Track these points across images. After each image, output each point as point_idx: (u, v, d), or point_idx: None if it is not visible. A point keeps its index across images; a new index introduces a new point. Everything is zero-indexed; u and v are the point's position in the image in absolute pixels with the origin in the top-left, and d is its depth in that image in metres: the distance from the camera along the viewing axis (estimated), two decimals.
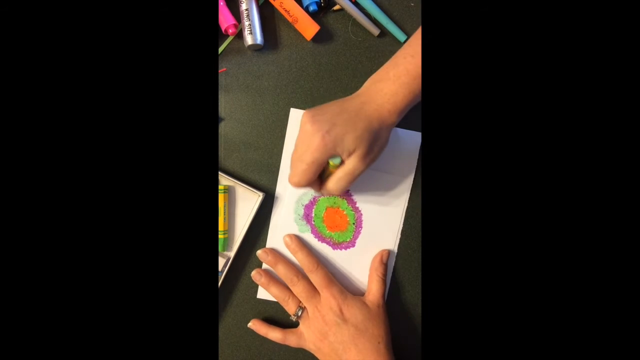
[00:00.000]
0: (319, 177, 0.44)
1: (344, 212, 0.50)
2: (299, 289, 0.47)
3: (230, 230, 0.49)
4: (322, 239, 0.50)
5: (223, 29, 0.49)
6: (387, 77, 0.41)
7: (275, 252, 0.49)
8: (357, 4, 0.50)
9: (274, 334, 0.48)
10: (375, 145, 0.41)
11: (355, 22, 0.50)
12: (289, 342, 0.48)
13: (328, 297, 0.46)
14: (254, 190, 0.48)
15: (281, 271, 0.48)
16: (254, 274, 0.49)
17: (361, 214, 0.50)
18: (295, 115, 0.50)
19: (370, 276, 0.49)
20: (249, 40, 0.48)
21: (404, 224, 0.50)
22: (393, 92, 0.41)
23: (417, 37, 0.42)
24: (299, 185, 0.42)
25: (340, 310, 0.46)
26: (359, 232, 0.50)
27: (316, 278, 0.47)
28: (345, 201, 0.50)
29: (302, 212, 0.50)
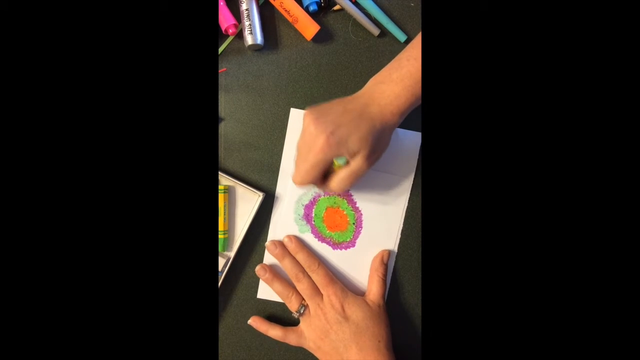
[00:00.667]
0: (323, 177, 0.44)
1: (344, 212, 0.50)
2: (303, 285, 0.47)
3: (230, 230, 0.49)
4: (322, 239, 0.50)
5: (223, 29, 0.49)
6: (390, 79, 0.41)
7: (283, 246, 0.49)
8: (357, 4, 0.50)
9: (274, 332, 0.48)
10: (378, 145, 0.41)
11: (355, 22, 0.50)
12: (289, 340, 0.48)
13: (330, 295, 0.46)
14: (254, 190, 0.48)
15: (287, 265, 0.48)
16: (259, 268, 0.49)
17: (361, 214, 0.50)
18: (296, 115, 0.50)
19: (370, 276, 0.49)
20: (249, 40, 0.48)
21: (404, 224, 0.50)
22: (396, 95, 0.41)
23: (420, 39, 0.42)
24: (303, 184, 0.43)
25: (342, 308, 0.46)
26: (359, 232, 0.50)
27: (317, 277, 0.47)
28: (346, 201, 0.50)
29: (302, 212, 0.50)
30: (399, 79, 0.41)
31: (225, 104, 0.50)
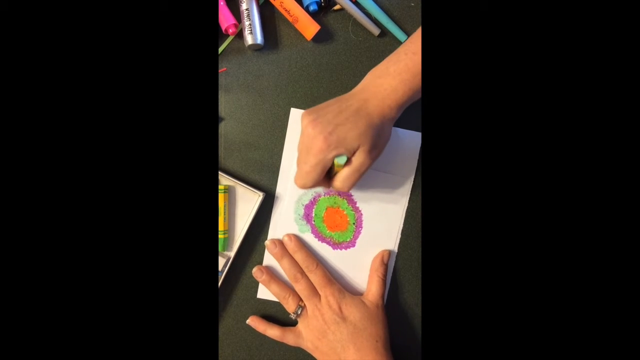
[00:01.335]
0: (326, 175, 0.44)
1: (344, 212, 0.50)
2: (301, 286, 0.47)
3: (230, 230, 0.49)
4: (322, 238, 0.50)
5: (223, 29, 0.49)
6: (388, 72, 0.41)
7: (283, 245, 0.49)
8: (357, 4, 0.50)
9: (272, 331, 0.48)
10: (379, 140, 0.41)
11: (355, 22, 0.50)
12: (287, 340, 0.48)
13: (327, 296, 0.46)
14: (254, 190, 0.48)
15: (286, 265, 0.48)
16: (255, 270, 0.49)
17: (361, 214, 0.50)
18: (296, 115, 0.50)
19: (370, 276, 0.49)
20: (249, 40, 0.48)
21: (404, 224, 0.50)
22: (393, 88, 0.41)
23: (419, 34, 0.42)
24: (305, 186, 0.42)
25: (340, 309, 0.46)
26: (359, 232, 0.50)
27: (315, 277, 0.47)
28: (346, 201, 0.50)
29: (302, 212, 0.50)
30: (397, 73, 0.41)
31: (225, 104, 0.50)
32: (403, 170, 0.50)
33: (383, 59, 0.43)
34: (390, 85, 0.41)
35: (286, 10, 0.49)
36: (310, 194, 0.50)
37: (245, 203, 0.50)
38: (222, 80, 0.50)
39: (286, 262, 0.48)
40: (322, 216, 0.50)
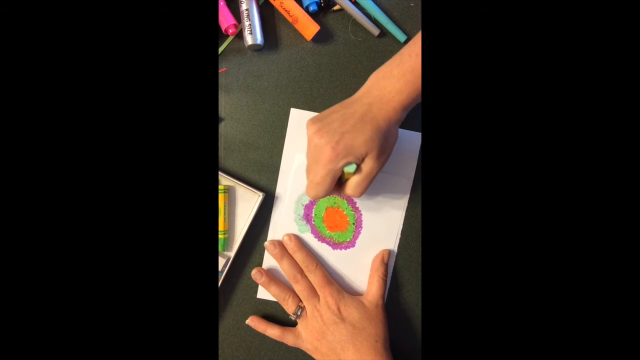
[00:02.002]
0: (337, 182, 0.43)
1: (344, 212, 0.50)
2: (301, 286, 0.47)
3: (230, 230, 0.49)
4: (322, 239, 0.50)
5: (223, 29, 0.49)
6: (392, 74, 0.41)
7: (282, 246, 0.49)
8: (357, 4, 0.50)
9: (272, 331, 0.48)
10: (386, 144, 0.41)
11: (355, 22, 0.50)
12: (286, 340, 0.48)
13: (326, 296, 0.46)
14: (254, 190, 0.48)
15: (285, 266, 0.48)
16: (255, 272, 0.49)
17: (361, 214, 0.50)
18: (296, 115, 0.50)
19: (370, 276, 0.49)
20: (249, 40, 0.48)
21: (404, 224, 0.50)
22: (397, 90, 0.40)
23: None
24: (318, 197, 0.42)
25: (338, 309, 0.46)
26: (359, 232, 0.50)
27: (314, 278, 0.47)
28: (345, 201, 0.50)
29: (302, 212, 0.50)
30: (400, 75, 0.40)
31: (225, 104, 0.50)
32: (403, 171, 0.50)
33: (383, 59, 0.43)
34: (394, 87, 0.40)
35: (286, 10, 0.49)
36: None
37: (245, 203, 0.50)
38: (222, 81, 0.50)
39: (286, 262, 0.48)
40: (321, 216, 0.50)
